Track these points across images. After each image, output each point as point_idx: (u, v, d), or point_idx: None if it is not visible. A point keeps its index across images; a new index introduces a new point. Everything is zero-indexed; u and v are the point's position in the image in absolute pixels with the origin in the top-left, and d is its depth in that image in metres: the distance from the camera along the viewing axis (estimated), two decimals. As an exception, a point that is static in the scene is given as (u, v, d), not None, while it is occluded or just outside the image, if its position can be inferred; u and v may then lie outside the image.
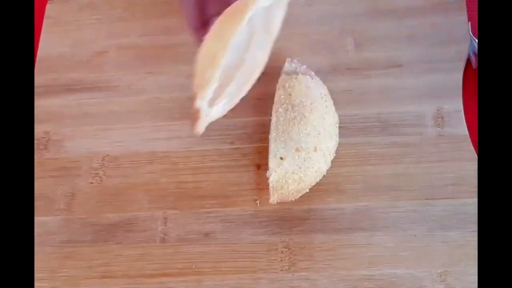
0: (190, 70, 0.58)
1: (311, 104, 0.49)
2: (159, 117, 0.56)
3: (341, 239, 0.49)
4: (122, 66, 0.59)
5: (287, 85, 0.50)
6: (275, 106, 0.50)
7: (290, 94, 0.50)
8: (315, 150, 0.48)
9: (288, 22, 0.59)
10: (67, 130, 0.57)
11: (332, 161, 0.50)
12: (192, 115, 0.44)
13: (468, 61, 0.55)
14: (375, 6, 0.59)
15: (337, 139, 0.51)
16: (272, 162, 0.48)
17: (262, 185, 0.51)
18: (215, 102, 0.45)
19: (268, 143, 0.50)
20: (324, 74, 0.55)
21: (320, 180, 0.50)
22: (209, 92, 0.43)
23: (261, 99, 0.54)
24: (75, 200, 0.53)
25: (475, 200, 0.48)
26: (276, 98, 0.51)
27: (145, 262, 0.50)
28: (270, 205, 0.50)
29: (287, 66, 0.53)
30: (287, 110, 0.49)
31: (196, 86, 0.44)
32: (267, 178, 0.48)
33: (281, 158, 0.47)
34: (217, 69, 0.42)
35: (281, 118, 0.49)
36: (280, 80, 0.52)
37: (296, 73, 0.52)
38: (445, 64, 0.55)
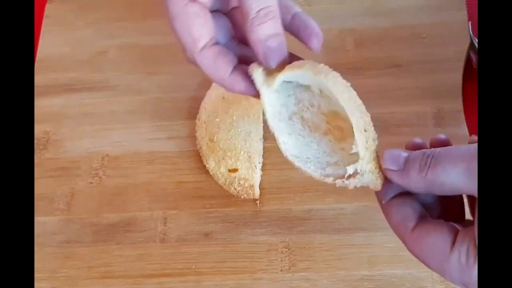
0: (190, 70, 0.59)
1: None
2: (159, 117, 0.56)
3: (341, 239, 0.49)
4: (122, 66, 0.59)
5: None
6: None
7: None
8: None
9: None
10: (67, 130, 0.57)
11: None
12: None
13: (468, 61, 0.55)
14: (375, 6, 0.59)
15: None
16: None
17: (262, 185, 0.51)
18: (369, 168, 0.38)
19: (267, 143, 0.50)
20: (324, 74, 0.55)
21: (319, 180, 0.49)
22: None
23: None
24: (75, 200, 0.53)
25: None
26: None
27: (145, 262, 0.50)
28: (270, 205, 0.50)
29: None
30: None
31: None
32: (268, 178, 0.48)
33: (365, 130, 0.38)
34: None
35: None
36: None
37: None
38: (445, 64, 0.55)
